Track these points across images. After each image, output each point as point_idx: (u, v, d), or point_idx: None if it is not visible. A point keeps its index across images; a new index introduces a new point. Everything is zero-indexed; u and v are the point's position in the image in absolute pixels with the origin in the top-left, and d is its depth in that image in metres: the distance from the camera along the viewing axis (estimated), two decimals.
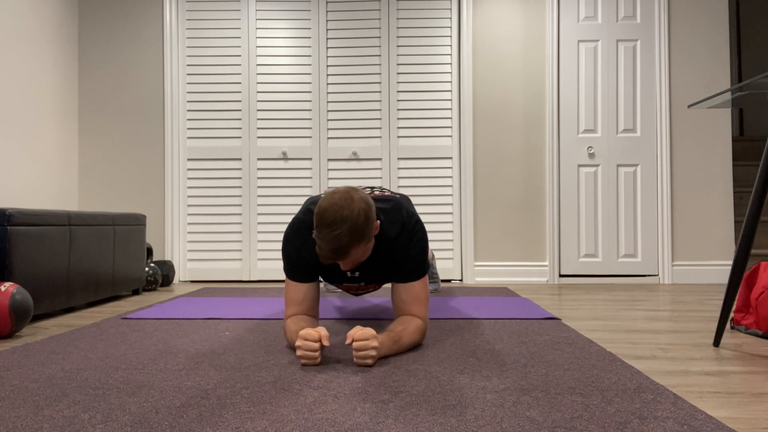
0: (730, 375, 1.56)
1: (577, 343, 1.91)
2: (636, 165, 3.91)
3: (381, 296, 3.12)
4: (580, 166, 3.92)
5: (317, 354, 1.60)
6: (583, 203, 3.91)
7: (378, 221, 1.78)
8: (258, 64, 4.02)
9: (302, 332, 1.60)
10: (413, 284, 1.87)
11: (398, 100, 3.97)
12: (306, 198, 3.98)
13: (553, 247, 3.89)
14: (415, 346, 1.84)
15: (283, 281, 4.00)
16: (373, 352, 1.59)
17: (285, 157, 4.00)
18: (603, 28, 3.93)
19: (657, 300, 3.04)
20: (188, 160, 4.03)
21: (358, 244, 1.65)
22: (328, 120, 4.00)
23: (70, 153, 3.97)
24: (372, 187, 2.19)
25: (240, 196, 4.00)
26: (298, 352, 1.60)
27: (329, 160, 3.99)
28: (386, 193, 2.06)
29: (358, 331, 1.60)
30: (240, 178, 4.01)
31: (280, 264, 3.98)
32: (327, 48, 4.00)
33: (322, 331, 1.60)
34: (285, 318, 1.91)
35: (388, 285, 3.71)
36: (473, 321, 2.34)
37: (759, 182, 1.79)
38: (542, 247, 3.93)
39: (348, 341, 1.58)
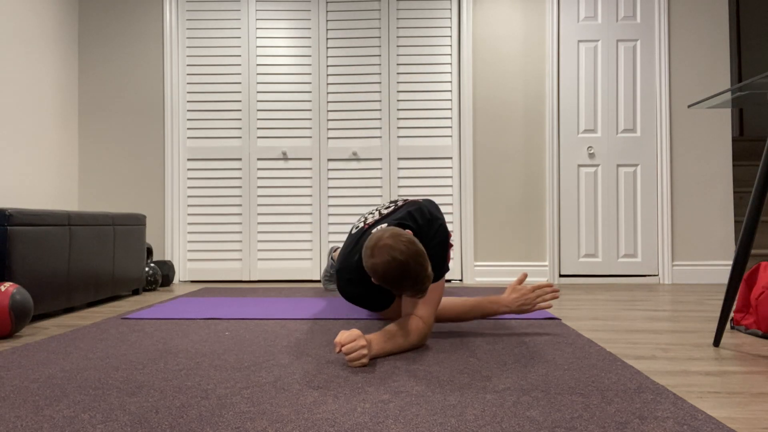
0: (730, 375, 1.56)
1: (577, 343, 1.91)
2: (636, 165, 3.91)
3: None
4: (580, 166, 3.92)
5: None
6: (583, 203, 3.91)
7: (408, 230, 1.89)
8: (258, 64, 4.02)
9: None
10: None
11: (398, 100, 3.97)
12: (307, 197, 3.98)
13: (553, 247, 3.89)
14: (414, 348, 1.83)
15: (283, 281, 4.00)
16: (364, 351, 1.59)
17: (285, 157, 4.00)
18: (603, 28, 3.93)
19: (657, 300, 3.04)
20: (188, 160, 4.03)
21: (427, 263, 1.73)
22: (328, 120, 4.00)
23: (70, 153, 3.98)
24: (394, 201, 2.23)
25: (240, 196, 4.00)
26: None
27: (329, 160, 3.99)
28: (408, 199, 2.16)
29: (343, 335, 1.59)
30: (240, 178, 4.01)
31: (280, 264, 3.99)
32: (327, 48, 4.00)
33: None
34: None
35: None
36: (473, 321, 2.34)
37: (759, 182, 1.79)
38: (542, 247, 3.93)
39: (337, 350, 1.57)
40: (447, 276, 3.95)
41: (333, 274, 3.35)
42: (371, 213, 2.26)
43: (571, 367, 1.59)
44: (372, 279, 1.77)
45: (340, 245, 3.74)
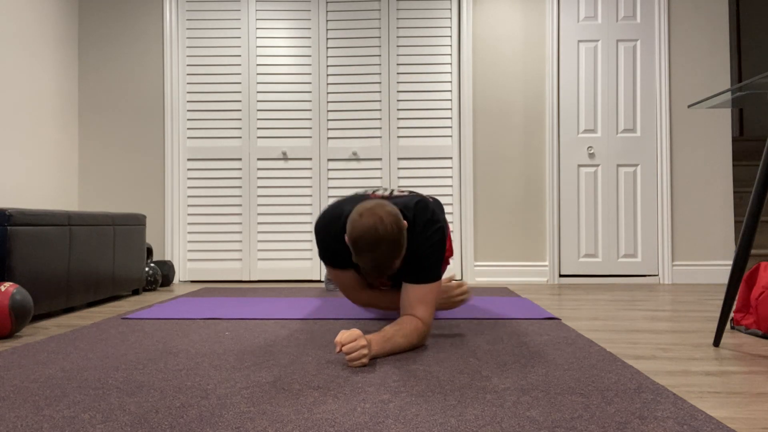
0: (730, 375, 1.56)
1: (577, 343, 1.91)
2: (636, 165, 3.91)
3: None
4: (580, 166, 3.92)
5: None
6: (583, 203, 3.91)
7: (405, 221, 1.85)
8: (258, 64, 4.02)
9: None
10: (421, 286, 1.87)
11: (398, 100, 3.97)
12: (307, 197, 3.98)
13: (553, 247, 3.89)
14: (414, 348, 1.83)
15: (283, 281, 4.00)
16: (364, 351, 1.59)
17: (285, 157, 4.00)
18: (603, 28, 3.93)
19: (657, 300, 3.04)
20: (188, 160, 4.03)
21: (398, 257, 1.75)
22: (328, 120, 4.00)
23: (70, 153, 3.98)
24: (408, 187, 2.25)
25: (240, 196, 4.00)
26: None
27: (329, 160, 3.99)
28: (414, 192, 2.18)
29: (344, 335, 1.59)
30: (240, 178, 4.01)
31: (280, 264, 3.98)
32: (327, 48, 4.00)
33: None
34: (350, 297, 2.17)
35: None
36: (473, 321, 2.34)
37: (759, 182, 1.79)
38: (542, 247, 3.93)
39: (337, 349, 1.57)
40: (447, 276, 3.94)
41: None
42: (383, 188, 2.30)
43: (571, 367, 1.59)
44: (345, 237, 1.77)
45: None
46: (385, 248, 1.69)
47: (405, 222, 1.81)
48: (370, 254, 1.70)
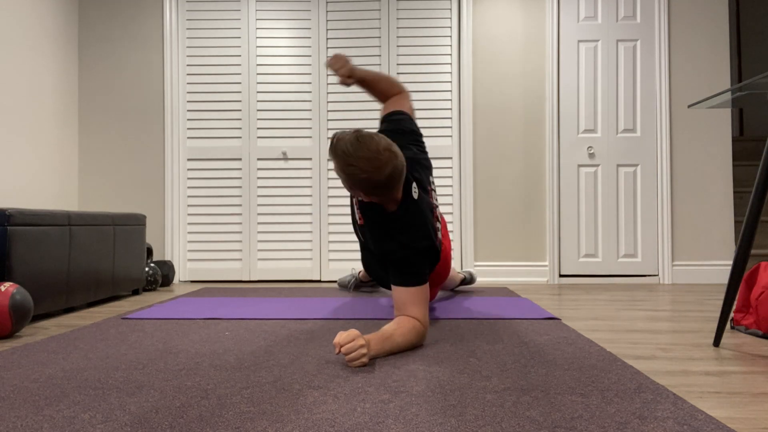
0: (730, 375, 1.56)
1: (577, 343, 1.91)
2: (636, 165, 3.91)
3: (384, 296, 3.12)
4: (580, 166, 3.92)
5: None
6: (583, 203, 3.91)
7: (399, 196, 1.88)
8: (258, 64, 4.02)
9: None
10: (408, 288, 1.88)
11: None
12: (307, 197, 3.98)
13: (553, 247, 3.88)
14: (413, 347, 1.83)
15: (283, 281, 4.00)
16: (363, 350, 1.59)
17: (285, 157, 4.00)
18: (603, 28, 3.93)
19: (657, 300, 3.04)
20: (188, 160, 4.03)
21: (352, 184, 1.78)
22: (328, 120, 3.99)
23: (70, 153, 3.98)
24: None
25: (240, 196, 4.00)
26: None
27: (329, 160, 3.99)
28: (439, 211, 2.16)
29: (342, 336, 1.59)
30: (240, 178, 4.01)
31: (280, 264, 3.98)
32: (327, 48, 4.00)
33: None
34: None
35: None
36: (473, 321, 2.34)
37: (759, 182, 1.79)
38: (542, 247, 3.92)
39: (337, 351, 1.57)
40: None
41: (351, 281, 3.39)
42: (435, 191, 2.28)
43: (571, 367, 1.59)
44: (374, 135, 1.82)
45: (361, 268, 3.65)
46: (360, 166, 1.72)
47: (398, 195, 1.85)
48: (345, 161, 1.72)
